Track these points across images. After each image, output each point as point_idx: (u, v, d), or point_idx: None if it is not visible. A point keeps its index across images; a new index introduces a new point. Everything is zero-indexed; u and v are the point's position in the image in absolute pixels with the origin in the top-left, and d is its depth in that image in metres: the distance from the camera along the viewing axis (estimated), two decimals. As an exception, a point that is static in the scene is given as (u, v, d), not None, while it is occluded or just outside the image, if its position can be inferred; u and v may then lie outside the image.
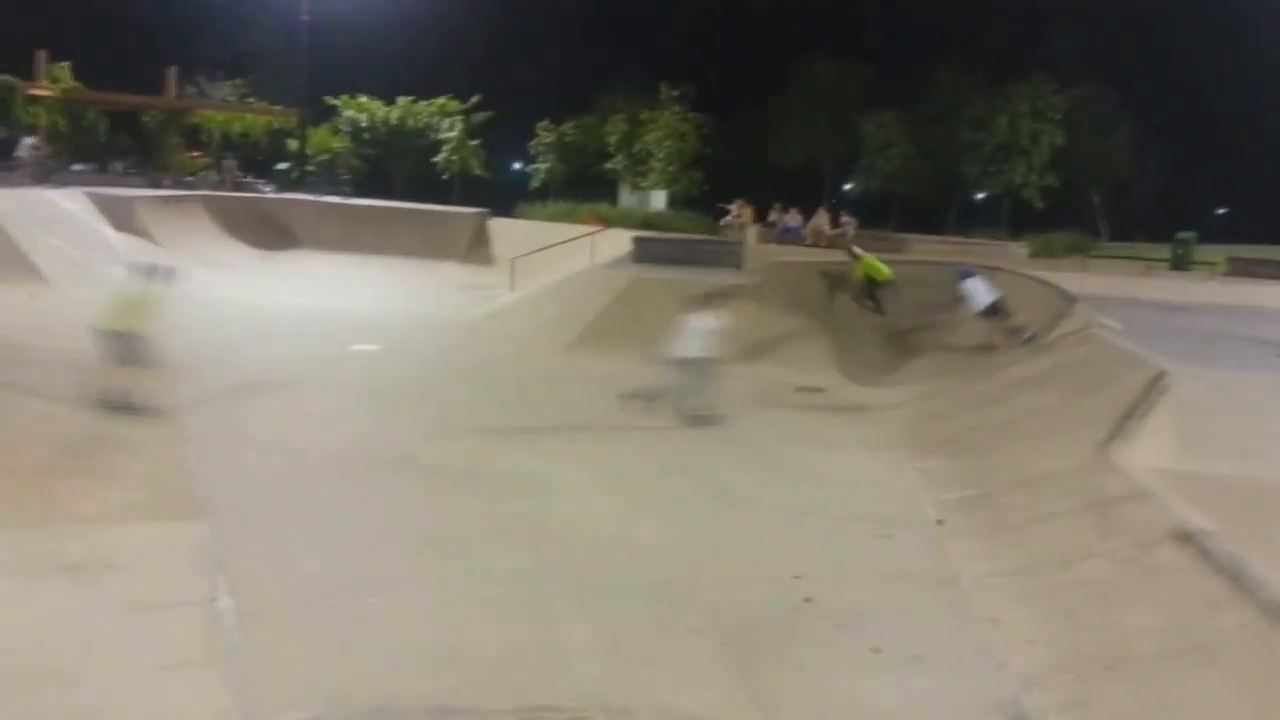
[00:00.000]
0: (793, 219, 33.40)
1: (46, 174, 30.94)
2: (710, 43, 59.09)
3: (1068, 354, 13.58)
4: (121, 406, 10.61)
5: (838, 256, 21.75)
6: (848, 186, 55.56)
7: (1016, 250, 31.82)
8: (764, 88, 56.87)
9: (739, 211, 33.47)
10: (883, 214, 50.43)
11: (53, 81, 37.04)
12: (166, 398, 11.22)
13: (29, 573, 6.93)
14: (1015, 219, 49.04)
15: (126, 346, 10.76)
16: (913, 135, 50.76)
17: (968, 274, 17.07)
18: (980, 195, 52.92)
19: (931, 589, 7.89)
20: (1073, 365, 12.87)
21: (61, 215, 23.37)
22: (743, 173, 47.90)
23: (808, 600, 7.46)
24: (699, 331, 12.77)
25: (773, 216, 34.97)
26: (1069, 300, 16.49)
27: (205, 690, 5.73)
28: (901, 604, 7.60)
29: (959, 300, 16.98)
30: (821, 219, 33.44)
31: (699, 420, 12.72)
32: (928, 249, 29.65)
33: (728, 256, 22.31)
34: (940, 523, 9.33)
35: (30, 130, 35.80)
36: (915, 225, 45.12)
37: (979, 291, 16.68)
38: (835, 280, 20.24)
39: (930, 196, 52.30)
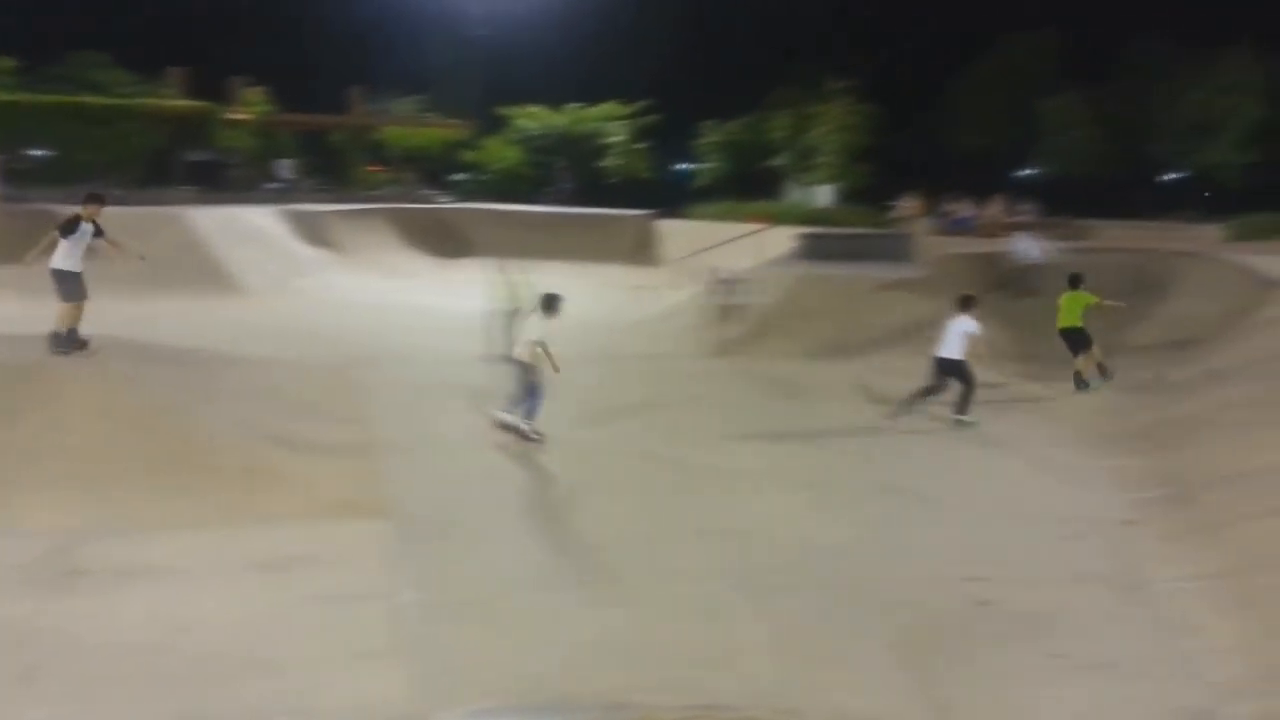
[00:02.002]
0: (965, 209, 32.38)
1: (242, 193, 33.17)
2: (882, 28, 57.74)
3: (1270, 343, 12.67)
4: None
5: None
6: (1027, 172, 53.30)
7: (1213, 233, 29.80)
8: (939, 73, 55.11)
9: (908, 206, 32.76)
10: (1066, 199, 48.16)
11: (247, 106, 39.66)
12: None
13: (234, 567, 7.49)
14: (1215, 200, 45.91)
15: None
16: (1098, 115, 48.22)
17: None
18: (1171, 176, 49.79)
19: (1121, 592, 7.53)
20: (1274, 354, 12.00)
21: (257, 231, 25.01)
22: (916, 162, 46.68)
23: (987, 603, 7.24)
24: (957, 333, 12.49)
25: (946, 207, 34.02)
26: (1268, 284, 15.37)
27: (393, 679, 6.06)
28: (1090, 608, 7.29)
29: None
30: (997, 208, 32.29)
31: (960, 424, 12.40)
32: (1115, 234, 28.15)
33: (898, 250, 21.85)
34: (1129, 522, 8.88)
35: (280, 155, 38.63)
36: (1101, 210, 42.91)
37: (1028, 248, 17.42)
38: (1004, 274, 19.54)
39: (1118, 178, 49.55)
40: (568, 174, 38.41)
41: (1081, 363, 14.41)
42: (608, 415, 12.90)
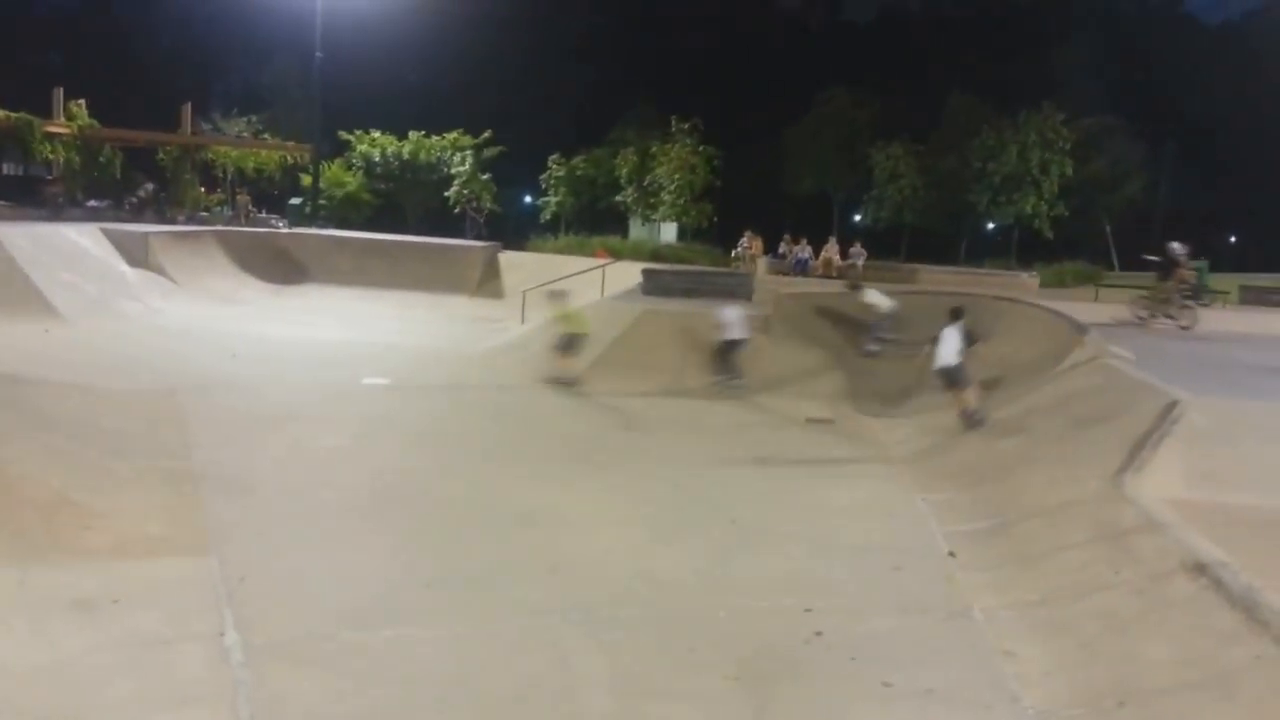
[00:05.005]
0: (803, 250, 33.51)
1: (59, 210, 31.29)
2: (721, 75, 59.49)
3: (1079, 384, 13.52)
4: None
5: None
6: (858, 217, 55.68)
7: (1027, 280, 31.80)
8: (775, 119, 57.16)
9: (749, 243, 33.63)
10: (893, 244, 50.51)
11: (69, 119, 37.51)
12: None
13: (39, 608, 6.94)
14: (1026, 248, 49.00)
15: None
16: (923, 166, 50.87)
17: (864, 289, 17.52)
18: (991, 225, 52.90)
19: (944, 621, 7.83)
20: (1084, 395, 12.81)
21: (77, 251, 23.58)
22: (754, 204, 48.13)
23: (820, 633, 7.41)
24: (951, 341, 13.92)
25: (782, 248, 35.10)
26: (1080, 330, 16.46)
27: (213, 725, 5.71)
28: (915, 637, 7.55)
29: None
30: (832, 250, 33.53)
31: (973, 422, 13.34)
32: (938, 279, 29.63)
33: (738, 288, 22.38)
34: (952, 554, 9.27)
35: (48, 167, 36.32)
36: (926, 255, 45.23)
37: (879, 298, 17.78)
38: (835, 315, 20.36)
39: (941, 226, 52.34)
40: (475, 210, 37.66)
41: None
42: (444, 444, 12.67)
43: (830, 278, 28.78)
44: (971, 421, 13.45)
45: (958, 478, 11.80)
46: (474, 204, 37.58)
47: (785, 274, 30.95)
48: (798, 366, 17.94)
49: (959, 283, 27.81)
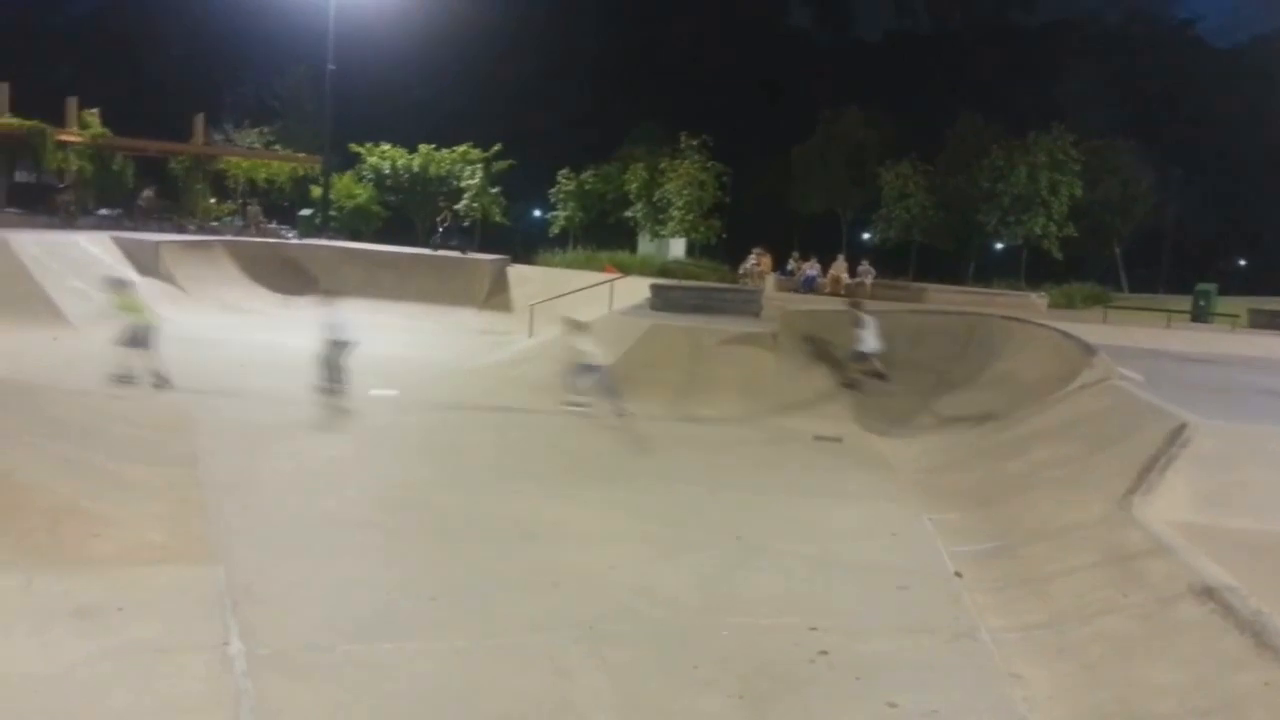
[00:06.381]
0: (811, 267, 33.51)
1: (71, 218, 31.44)
2: (732, 92, 59.68)
3: (1088, 405, 13.47)
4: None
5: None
6: (866, 235, 55.73)
7: (1036, 300, 31.74)
8: (785, 137, 57.33)
9: (758, 260, 33.65)
10: (901, 263, 50.54)
11: (82, 128, 37.74)
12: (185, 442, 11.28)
13: (42, 615, 6.93)
14: (1035, 269, 49.03)
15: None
16: (931, 185, 50.93)
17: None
18: (999, 245, 52.91)
19: (950, 642, 7.77)
20: (1093, 417, 12.76)
21: (87, 259, 23.69)
22: (762, 221, 48.24)
23: (824, 652, 7.37)
24: (872, 328, 17.17)
25: (791, 265, 35.13)
26: (1089, 351, 16.42)
27: (214, 736, 5.69)
28: (919, 657, 7.49)
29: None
30: (840, 268, 33.53)
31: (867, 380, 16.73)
32: (946, 298, 29.59)
33: (746, 305, 22.37)
34: (958, 575, 9.22)
35: (60, 175, 36.50)
36: (934, 274, 45.24)
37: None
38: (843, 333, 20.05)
39: (949, 246, 52.38)
40: (450, 221, 37.67)
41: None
42: (449, 458, 12.67)
43: (838, 295, 28.74)
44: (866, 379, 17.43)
45: (965, 498, 11.76)
46: (444, 218, 37.64)
47: (793, 291, 30.94)
48: (806, 384, 17.89)
49: (968, 302, 27.76)
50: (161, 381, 14.74)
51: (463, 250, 35.17)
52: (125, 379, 14.78)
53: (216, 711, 5.96)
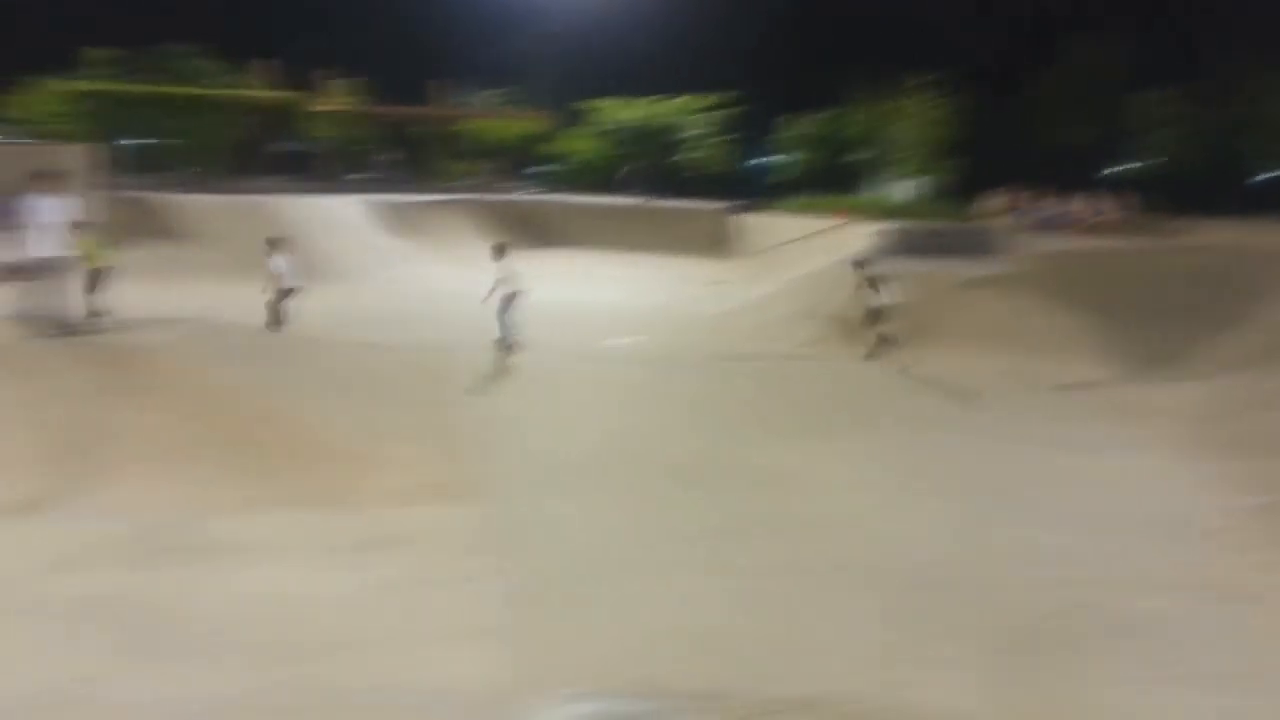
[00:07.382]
0: (1052, 205, 31.70)
1: (327, 183, 33.82)
2: (972, 25, 56.72)
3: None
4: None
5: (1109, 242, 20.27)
6: (1116, 169, 51.91)
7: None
8: (1022, 70, 54.02)
9: (1000, 199, 32.25)
10: (1155, 197, 46.81)
11: (333, 98, 40.36)
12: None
13: (324, 549, 7.60)
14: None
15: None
16: (1183, 114, 46.86)
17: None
18: (1263, 176, 48.05)
19: (1229, 602, 7.21)
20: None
21: (343, 221, 25.39)
22: (1001, 158, 45.80)
23: (1085, 607, 7.00)
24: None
25: (1034, 202, 33.33)
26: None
27: (483, 661, 6.07)
28: (1191, 615, 7.00)
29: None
30: (1083, 204, 31.56)
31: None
32: (1205, 232, 27.13)
33: (983, 245, 21.36)
34: (1226, 529, 8.53)
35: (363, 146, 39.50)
36: (1193, 208, 41.62)
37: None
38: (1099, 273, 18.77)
39: (1207, 177, 48.00)
40: (639, 171, 38.06)
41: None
42: (687, 407, 12.81)
43: (1087, 234, 26.94)
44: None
45: (1234, 448, 10.90)
46: (629, 169, 37.98)
47: (1037, 230, 29.29)
48: (1056, 328, 16.83)
49: (1229, 237, 25.22)
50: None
51: (646, 199, 35.61)
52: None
53: (483, 637, 6.37)
